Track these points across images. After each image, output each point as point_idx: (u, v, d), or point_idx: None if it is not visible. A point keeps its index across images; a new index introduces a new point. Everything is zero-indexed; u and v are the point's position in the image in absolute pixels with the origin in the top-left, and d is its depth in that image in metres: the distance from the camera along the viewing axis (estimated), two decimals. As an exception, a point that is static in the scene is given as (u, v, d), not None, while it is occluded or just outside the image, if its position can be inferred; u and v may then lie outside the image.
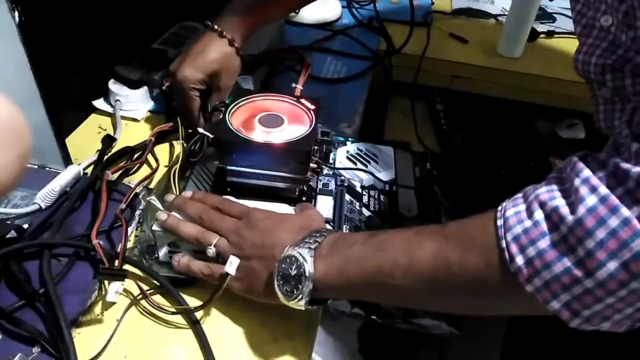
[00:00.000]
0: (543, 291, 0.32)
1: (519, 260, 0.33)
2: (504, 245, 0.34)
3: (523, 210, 0.34)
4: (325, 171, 0.60)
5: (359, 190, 0.59)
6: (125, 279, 0.45)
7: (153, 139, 0.63)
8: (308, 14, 0.95)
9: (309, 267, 0.40)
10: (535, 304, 0.33)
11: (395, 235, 0.42)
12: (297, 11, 0.95)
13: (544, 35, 0.98)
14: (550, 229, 0.32)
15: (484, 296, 0.37)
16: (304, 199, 0.55)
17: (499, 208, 0.36)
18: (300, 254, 0.41)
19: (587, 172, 0.32)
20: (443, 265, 0.37)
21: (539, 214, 0.33)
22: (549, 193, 0.34)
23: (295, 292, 0.40)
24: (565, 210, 0.32)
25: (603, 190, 0.31)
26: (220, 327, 0.46)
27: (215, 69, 0.60)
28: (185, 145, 0.60)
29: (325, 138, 0.65)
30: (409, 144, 0.68)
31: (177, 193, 0.52)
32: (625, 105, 0.38)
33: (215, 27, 0.61)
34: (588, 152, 0.35)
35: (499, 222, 0.35)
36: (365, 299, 0.46)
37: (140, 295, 0.46)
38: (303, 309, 0.41)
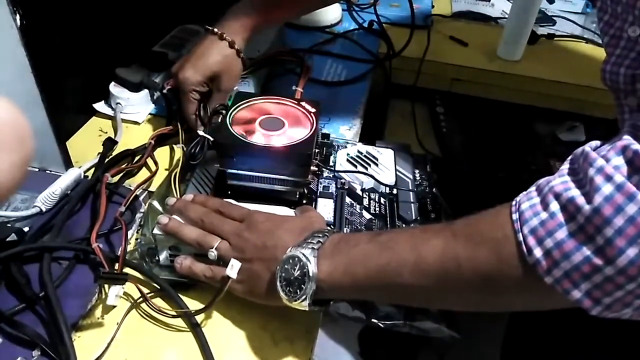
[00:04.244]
0: (563, 281, 0.32)
1: (537, 252, 0.33)
2: (521, 238, 0.34)
3: (538, 202, 0.34)
4: (325, 174, 0.60)
5: (360, 193, 0.59)
6: (126, 282, 0.44)
7: (152, 142, 0.63)
8: (308, 17, 0.95)
9: (312, 268, 0.40)
10: (551, 295, 0.33)
11: (401, 234, 0.42)
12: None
13: (544, 38, 0.98)
14: (567, 219, 0.33)
15: (494, 291, 0.37)
16: (304, 202, 0.55)
17: (513, 202, 0.36)
18: (304, 254, 0.41)
19: (600, 162, 0.32)
20: (451, 262, 0.37)
21: (554, 206, 0.33)
22: (563, 184, 0.34)
23: (298, 292, 0.40)
24: (581, 200, 0.32)
25: (619, 178, 0.31)
26: (221, 330, 0.45)
27: (215, 70, 0.61)
28: (185, 148, 0.60)
29: (325, 141, 0.65)
30: (409, 146, 0.68)
31: (178, 196, 0.52)
32: None
33: (215, 30, 0.61)
34: (602, 141, 0.35)
35: (514, 216, 0.35)
36: (370, 299, 0.46)
37: (141, 299, 0.46)
38: (306, 309, 0.41)
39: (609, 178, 0.31)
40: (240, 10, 0.63)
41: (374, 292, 0.43)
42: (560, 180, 0.34)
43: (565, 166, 0.36)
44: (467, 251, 0.37)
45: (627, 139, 0.32)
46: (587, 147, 0.35)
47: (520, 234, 0.34)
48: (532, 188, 0.36)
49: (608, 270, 0.31)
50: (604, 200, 0.31)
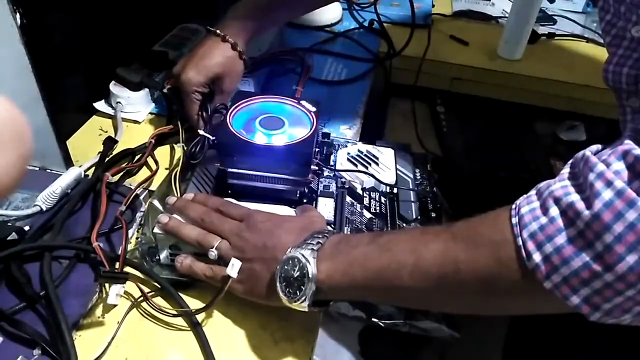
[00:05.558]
0: (562, 287, 0.32)
1: (537, 257, 0.33)
2: (520, 242, 0.34)
3: (538, 207, 0.34)
4: (326, 173, 0.60)
5: (360, 192, 0.59)
6: (126, 281, 0.44)
7: (153, 141, 0.63)
8: (309, 17, 0.95)
9: (311, 269, 0.40)
10: (550, 300, 0.33)
11: (401, 236, 0.42)
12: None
13: (544, 38, 0.98)
14: (566, 224, 0.32)
15: (493, 294, 0.37)
16: (304, 201, 0.55)
17: (513, 206, 0.36)
18: (303, 255, 0.41)
19: (601, 167, 0.32)
20: (451, 264, 0.37)
21: (554, 210, 0.33)
22: (563, 189, 0.34)
23: (298, 293, 0.40)
24: (581, 205, 0.32)
25: (619, 184, 0.31)
26: (221, 329, 0.45)
27: (218, 72, 0.60)
28: (185, 147, 0.60)
29: (326, 140, 0.65)
30: (409, 145, 0.68)
31: (178, 195, 0.52)
32: None
33: (218, 31, 0.61)
34: (603, 145, 0.35)
35: (514, 220, 0.35)
36: (370, 300, 0.46)
37: (141, 298, 0.46)
38: (306, 310, 0.41)
39: (609, 183, 0.31)
40: (242, 11, 0.62)
41: (374, 293, 0.43)
42: (560, 185, 0.34)
43: (566, 170, 0.36)
44: (466, 254, 0.36)
45: (628, 144, 0.32)
46: (587, 152, 0.34)
47: (520, 239, 0.34)
48: (532, 192, 0.36)
49: (607, 277, 0.31)
50: (604, 206, 0.31)
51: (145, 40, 0.77)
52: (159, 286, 0.47)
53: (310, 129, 0.54)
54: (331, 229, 0.50)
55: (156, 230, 0.47)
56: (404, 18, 1.00)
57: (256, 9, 0.63)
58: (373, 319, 0.47)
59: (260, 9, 0.63)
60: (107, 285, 0.46)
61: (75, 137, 0.66)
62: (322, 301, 0.43)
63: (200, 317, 0.45)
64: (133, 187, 0.56)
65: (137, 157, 0.62)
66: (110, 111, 0.70)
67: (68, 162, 0.59)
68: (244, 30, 0.62)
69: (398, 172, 0.62)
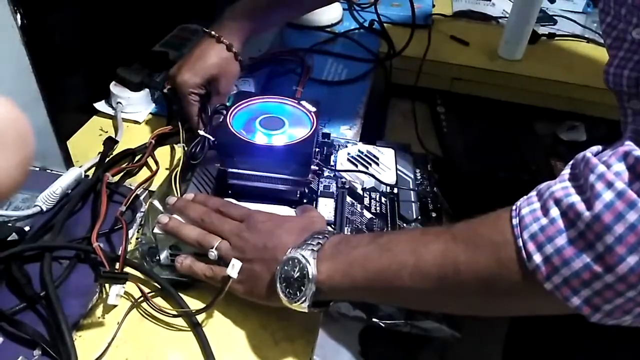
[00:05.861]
0: (562, 288, 0.32)
1: (537, 258, 0.33)
2: (521, 243, 0.34)
3: (538, 208, 0.34)
4: (326, 173, 0.60)
5: (360, 192, 0.59)
6: (126, 282, 0.44)
7: (153, 141, 0.63)
8: (309, 17, 0.95)
9: (311, 270, 0.40)
10: (550, 301, 0.33)
11: (401, 236, 0.42)
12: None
13: (544, 38, 0.98)
14: (567, 225, 0.32)
15: (493, 295, 0.37)
16: (305, 201, 0.55)
17: (514, 207, 0.36)
18: (303, 256, 0.41)
19: (601, 168, 0.32)
20: (451, 265, 0.37)
21: (554, 211, 0.33)
22: (564, 190, 0.34)
23: (298, 294, 0.40)
24: (581, 206, 0.32)
25: (619, 185, 0.31)
26: (222, 329, 0.45)
27: (213, 73, 0.60)
28: (185, 147, 0.60)
29: (326, 140, 0.65)
30: (409, 145, 0.68)
31: (179, 196, 0.52)
32: None
33: (213, 32, 0.61)
34: (603, 147, 0.35)
35: (514, 221, 0.35)
36: (370, 301, 0.46)
37: (141, 298, 0.46)
38: (306, 311, 0.41)
39: (609, 185, 0.31)
40: (238, 12, 0.62)
41: (374, 294, 0.43)
42: (561, 186, 0.34)
43: (566, 171, 0.36)
44: (467, 255, 0.37)
45: (628, 145, 0.32)
46: (588, 153, 0.34)
47: (520, 240, 0.34)
48: (533, 193, 0.36)
49: (608, 278, 0.31)
50: (605, 207, 0.31)
51: (146, 40, 0.77)
52: (159, 286, 0.47)
53: (311, 129, 0.54)
54: (331, 230, 0.50)
55: (156, 230, 0.47)
56: (404, 18, 1.00)
57: (254, 9, 0.63)
58: (373, 319, 0.47)
59: (258, 9, 0.63)
60: (107, 285, 0.46)
61: (76, 137, 0.66)
62: (322, 302, 0.43)
63: (200, 317, 0.45)
64: (133, 188, 0.56)
65: (137, 158, 0.62)
66: (110, 111, 0.70)
67: (68, 163, 0.59)
68: (240, 31, 0.62)
69: (398, 172, 0.62)
